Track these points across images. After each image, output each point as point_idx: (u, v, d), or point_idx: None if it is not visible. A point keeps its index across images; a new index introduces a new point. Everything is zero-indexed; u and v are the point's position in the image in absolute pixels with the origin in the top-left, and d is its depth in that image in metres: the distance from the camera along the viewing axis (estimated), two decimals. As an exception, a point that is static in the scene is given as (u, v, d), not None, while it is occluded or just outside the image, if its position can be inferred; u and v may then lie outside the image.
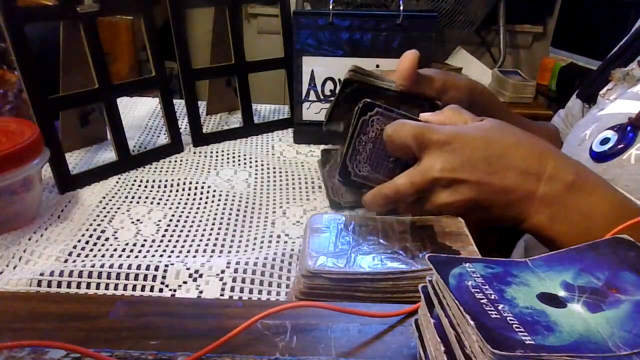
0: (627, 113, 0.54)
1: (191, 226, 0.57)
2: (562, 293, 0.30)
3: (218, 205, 0.60)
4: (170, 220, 0.57)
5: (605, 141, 0.55)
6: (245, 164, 0.72)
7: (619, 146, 0.53)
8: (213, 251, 0.52)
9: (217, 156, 0.74)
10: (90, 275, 0.46)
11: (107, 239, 0.53)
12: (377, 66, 0.75)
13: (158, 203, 0.61)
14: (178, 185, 0.65)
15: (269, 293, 0.47)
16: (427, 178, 0.46)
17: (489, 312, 0.27)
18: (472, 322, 0.26)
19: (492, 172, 0.44)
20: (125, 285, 0.46)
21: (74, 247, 0.51)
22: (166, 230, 0.56)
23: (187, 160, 0.72)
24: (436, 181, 0.46)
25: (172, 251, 0.52)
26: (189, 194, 0.63)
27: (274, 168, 0.71)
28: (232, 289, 0.46)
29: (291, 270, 0.49)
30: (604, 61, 0.69)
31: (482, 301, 0.28)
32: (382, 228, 0.49)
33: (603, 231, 0.35)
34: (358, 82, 0.55)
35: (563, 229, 0.44)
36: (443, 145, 0.45)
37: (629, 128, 0.53)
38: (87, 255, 0.50)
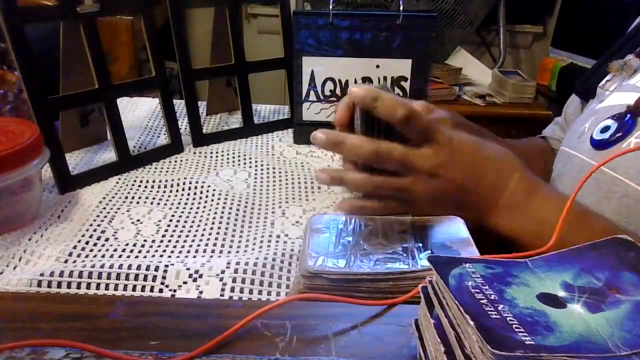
0: (625, 104, 0.55)
1: (191, 226, 0.57)
2: (562, 293, 0.30)
3: (218, 205, 0.60)
4: (170, 220, 0.57)
5: (605, 129, 0.55)
6: (245, 164, 0.72)
7: (618, 134, 0.54)
8: (213, 251, 0.53)
9: (217, 156, 0.74)
10: (90, 275, 0.46)
11: (107, 239, 0.53)
12: (377, 66, 0.75)
13: (158, 203, 0.61)
14: (178, 185, 0.65)
15: (269, 293, 0.47)
16: (418, 162, 0.49)
17: (489, 313, 0.27)
18: (472, 323, 0.26)
19: (471, 176, 0.50)
20: (125, 286, 0.46)
21: (74, 247, 0.51)
22: (166, 230, 0.56)
23: (187, 160, 0.72)
24: (423, 170, 0.49)
25: (172, 251, 0.52)
26: (189, 194, 0.63)
27: (274, 168, 0.71)
28: (232, 289, 0.46)
29: (291, 270, 0.49)
30: (601, 57, 0.70)
31: (482, 301, 0.28)
32: (382, 228, 0.49)
33: (551, 231, 0.40)
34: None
35: (519, 230, 0.50)
36: (446, 143, 0.49)
37: (628, 116, 0.54)
38: (87, 256, 0.50)
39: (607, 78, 0.64)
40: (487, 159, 0.52)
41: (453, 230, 0.48)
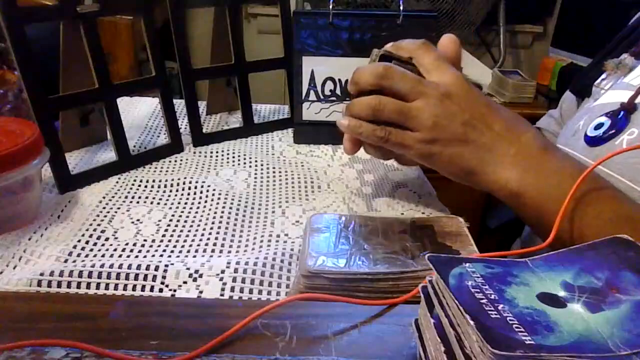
0: (619, 102, 0.55)
1: (191, 226, 0.57)
2: (562, 293, 0.30)
3: (218, 205, 0.60)
4: (170, 220, 0.57)
5: (599, 126, 0.56)
6: (245, 163, 0.72)
7: (612, 131, 0.54)
8: (213, 251, 0.52)
9: (217, 156, 0.74)
10: (90, 275, 0.46)
11: (107, 239, 0.53)
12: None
13: (158, 203, 0.61)
14: (178, 185, 0.65)
15: (269, 293, 0.47)
16: (428, 88, 0.48)
17: (489, 312, 0.27)
18: (472, 322, 0.26)
19: (481, 116, 0.49)
20: (125, 285, 0.46)
21: (74, 247, 0.51)
22: (166, 230, 0.56)
23: (187, 160, 0.72)
24: (432, 94, 0.48)
25: (172, 251, 0.52)
26: (189, 194, 0.63)
27: (274, 168, 0.71)
28: (232, 289, 0.46)
29: (291, 270, 0.49)
30: (597, 55, 0.70)
31: (482, 301, 0.28)
32: (382, 228, 0.49)
33: (566, 189, 0.39)
34: (394, 58, 0.54)
35: (533, 181, 0.47)
36: (439, 96, 0.49)
37: (621, 113, 0.54)
38: (87, 255, 0.50)
39: (602, 77, 0.64)
40: (499, 110, 0.50)
41: (453, 230, 0.49)
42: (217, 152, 0.75)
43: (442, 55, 0.52)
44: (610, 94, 0.59)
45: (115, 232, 0.55)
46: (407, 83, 0.48)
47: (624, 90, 0.57)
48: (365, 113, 0.50)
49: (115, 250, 0.52)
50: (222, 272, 0.47)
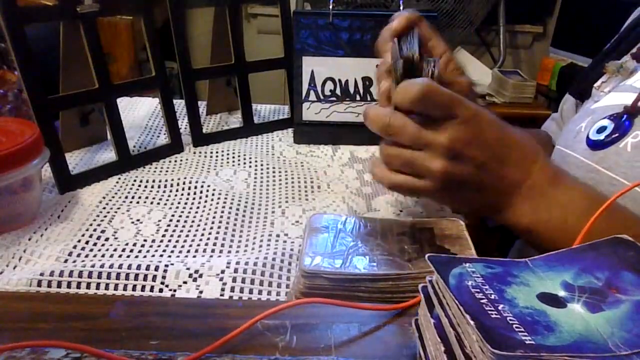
0: (622, 104, 0.55)
1: (191, 226, 0.57)
2: (562, 293, 0.30)
3: (217, 205, 0.60)
4: (170, 220, 0.57)
5: (601, 129, 0.55)
6: (245, 164, 0.72)
7: (615, 134, 0.53)
8: (213, 251, 0.52)
9: (217, 156, 0.74)
10: (90, 275, 0.46)
11: (107, 239, 0.53)
12: (377, 66, 0.75)
13: (158, 203, 0.61)
14: (178, 185, 0.64)
15: (269, 293, 0.47)
16: (437, 138, 0.45)
17: (489, 312, 0.27)
18: (472, 322, 0.26)
19: (495, 156, 0.46)
20: (125, 285, 0.46)
21: (74, 247, 0.51)
22: (166, 230, 0.56)
23: (187, 160, 0.72)
24: (443, 145, 0.45)
25: (172, 251, 0.52)
26: (189, 194, 0.63)
27: (274, 168, 0.71)
28: (232, 289, 0.46)
29: (291, 270, 0.49)
30: (596, 56, 0.70)
31: (482, 301, 0.28)
32: (381, 230, 0.49)
33: (577, 222, 0.38)
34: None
35: (543, 217, 0.47)
36: (469, 118, 0.45)
37: (624, 117, 0.54)
38: (87, 255, 0.50)
39: (602, 79, 0.64)
40: (512, 140, 0.48)
41: (452, 233, 0.48)
42: (217, 152, 0.75)
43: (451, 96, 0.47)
44: (613, 96, 0.59)
45: (115, 232, 0.55)
46: (410, 139, 0.46)
47: (627, 93, 0.57)
48: (380, 122, 0.47)
49: (115, 250, 0.52)
50: (222, 272, 0.47)
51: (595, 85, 0.64)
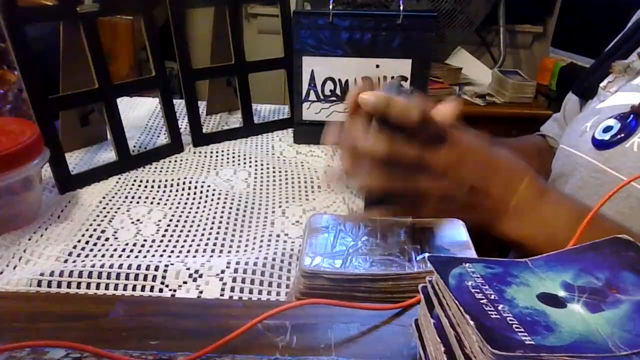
0: (628, 104, 0.55)
1: (191, 226, 0.57)
2: (562, 293, 0.30)
3: (218, 205, 0.60)
4: (170, 220, 0.57)
5: (607, 129, 0.55)
6: (245, 163, 0.72)
7: (621, 134, 0.53)
8: (213, 251, 0.52)
9: (217, 156, 0.74)
10: (90, 275, 0.46)
11: (107, 239, 0.53)
12: (377, 66, 0.75)
13: (158, 203, 0.61)
14: (178, 185, 0.65)
15: (269, 293, 0.47)
16: (431, 161, 0.47)
17: (489, 312, 0.27)
18: (472, 322, 0.26)
19: (482, 178, 0.49)
20: (125, 285, 0.46)
21: (74, 247, 0.51)
22: (166, 230, 0.56)
23: (187, 160, 0.72)
24: (437, 168, 0.48)
25: (172, 251, 0.52)
26: (189, 194, 0.63)
27: (274, 168, 0.71)
28: (232, 289, 0.46)
29: (291, 270, 0.49)
30: (601, 54, 0.69)
31: (482, 301, 0.28)
32: (381, 230, 0.49)
33: (564, 235, 0.39)
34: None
35: (531, 232, 0.49)
36: (458, 143, 0.49)
37: (631, 117, 0.54)
38: (87, 255, 0.50)
39: (608, 79, 0.63)
40: (498, 161, 0.51)
41: (452, 233, 0.48)
42: (217, 152, 0.75)
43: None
44: (619, 96, 0.59)
45: (115, 232, 0.55)
46: (410, 164, 0.48)
47: (634, 93, 0.56)
48: (377, 181, 0.49)
49: (115, 250, 0.52)
50: (222, 272, 0.47)
51: (601, 84, 0.64)
